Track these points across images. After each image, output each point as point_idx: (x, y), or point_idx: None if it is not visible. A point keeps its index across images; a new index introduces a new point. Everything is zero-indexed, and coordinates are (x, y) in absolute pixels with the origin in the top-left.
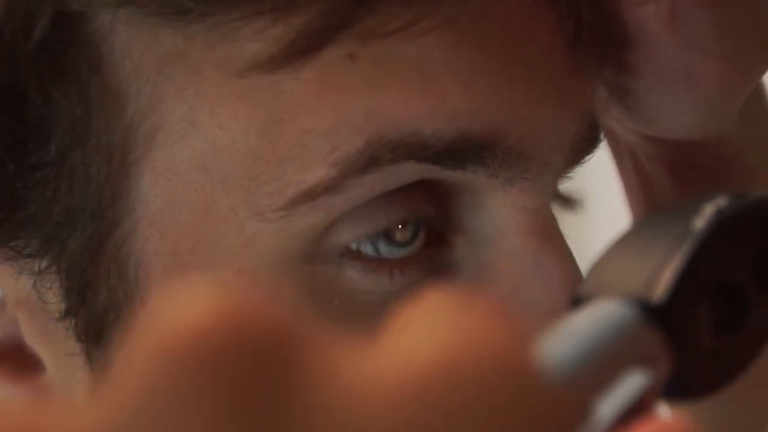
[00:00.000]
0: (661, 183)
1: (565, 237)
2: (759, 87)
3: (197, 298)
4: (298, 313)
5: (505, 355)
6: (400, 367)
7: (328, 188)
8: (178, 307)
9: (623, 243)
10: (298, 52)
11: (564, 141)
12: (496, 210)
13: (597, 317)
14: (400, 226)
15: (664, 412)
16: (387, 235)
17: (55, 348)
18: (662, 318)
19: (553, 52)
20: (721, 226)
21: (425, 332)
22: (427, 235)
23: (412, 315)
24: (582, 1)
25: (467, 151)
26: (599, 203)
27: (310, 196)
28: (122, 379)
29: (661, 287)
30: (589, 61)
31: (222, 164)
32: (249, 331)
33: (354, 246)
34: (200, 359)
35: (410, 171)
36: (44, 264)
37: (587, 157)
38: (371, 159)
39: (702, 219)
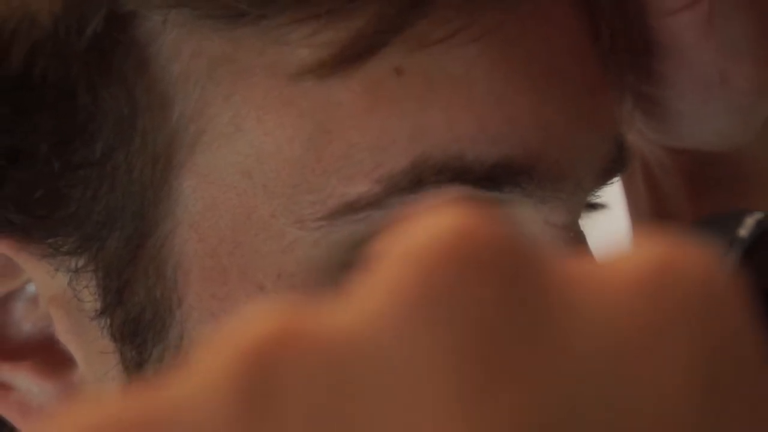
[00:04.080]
0: (675, 195)
1: (593, 252)
2: None
3: (444, 218)
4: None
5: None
6: (622, 269)
7: (370, 203)
8: (431, 223)
9: None
10: (348, 58)
11: (596, 161)
12: (526, 226)
13: None
14: None
15: None
16: None
17: (88, 346)
18: None
19: (587, 66)
20: (762, 236)
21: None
22: None
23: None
24: (615, 12)
25: (506, 175)
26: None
27: (351, 208)
28: (377, 280)
29: None
30: (619, 72)
31: (266, 170)
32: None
33: None
34: (464, 259)
35: (450, 192)
36: (81, 262)
37: (616, 178)
38: (415, 180)
39: (745, 229)
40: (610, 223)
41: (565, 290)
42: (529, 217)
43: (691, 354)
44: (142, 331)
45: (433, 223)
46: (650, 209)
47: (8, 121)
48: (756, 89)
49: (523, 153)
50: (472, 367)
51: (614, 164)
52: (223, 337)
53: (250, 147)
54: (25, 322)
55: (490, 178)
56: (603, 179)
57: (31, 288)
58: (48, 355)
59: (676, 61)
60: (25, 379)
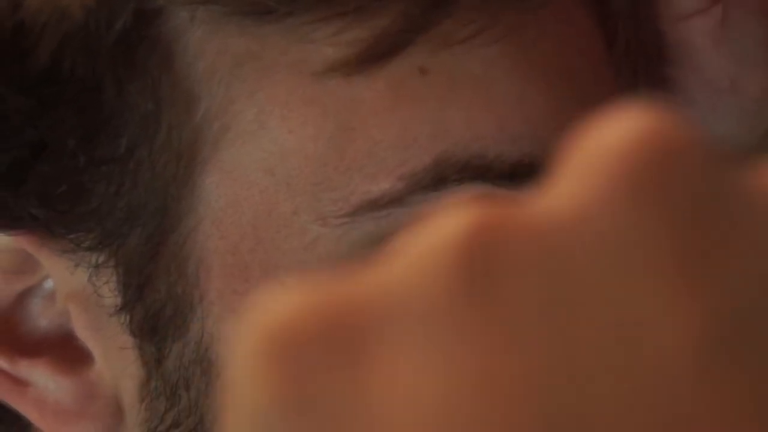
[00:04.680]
0: None
1: None
2: None
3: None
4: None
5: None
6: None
7: (393, 200)
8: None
9: None
10: (372, 56)
11: None
12: None
13: None
14: None
15: None
16: None
17: (107, 342)
18: None
19: (600, 69)
20: None
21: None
22: None
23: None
24: (627, 18)
25: (526, 173)
26: None
27: (374, 206)
28: (581, 171)
29: None
30: (631, 76)
31: (289, 168)
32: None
33: None
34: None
35: (471, 189)
36: (102, 258)
37: None
38: (438, 178)
39: None
40: None
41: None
42: None
43: None
44: (162, 327)
45: (628, 120)
46: None
47: (34, 115)
48: (765, 95)
49: (542, 152)
50: (689, 241)
51: None
52: (429, 227)
53: (274, 144)
54: (41, 318)
55: (511, 176)
56: None
57: (48, 284)
58: (65, 352)
59: (687, 66)
60: (42, 375)
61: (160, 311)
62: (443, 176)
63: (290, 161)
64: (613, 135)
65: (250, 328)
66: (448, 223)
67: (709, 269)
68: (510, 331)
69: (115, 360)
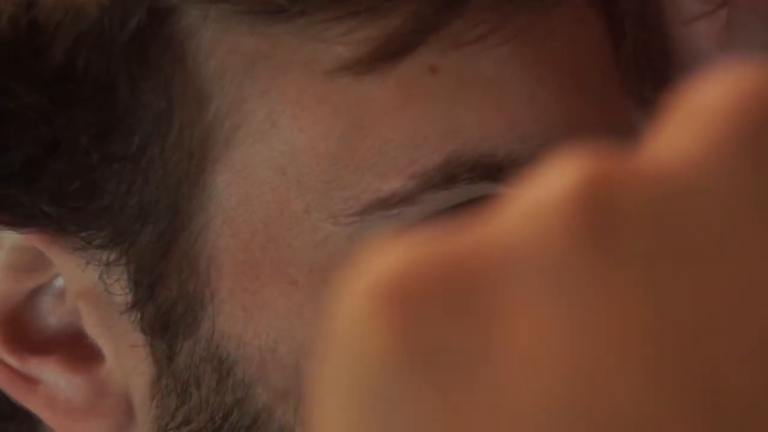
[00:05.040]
0: None
1: None
2: None
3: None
4: None
5: None
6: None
7: (404, 199)
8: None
9: None
10: (384, 56)
11: None
12: None
13: None
14: None
15: None
16: None
17: (117, 340)
18: None
19: (608, 72)
20: None
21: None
22: None
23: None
24: (635, 21)
25: (534, 172)
26: None
27: (385, 204)
28: (687, 129)
29: None
30: (637, 79)
31: (300, 166)
32: None
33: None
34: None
35: (482, 189)
36: (113, 256)
37: None
38: (448, 176)
39: None
40: None
41: None
42: None
43: None
44: (173, 324)
45: (732, 76)
46: None
47: (49, 113)
48: None
49: (551, 152)
50: None
51: None
52: (541, 180)
53: (285, 143)
54: (51, 316)
55: (521, 175)
56: None
57: (58, 282)
58: (75, 349)
59: (692, 69)
60: (52, 373)
61: (172, 309)
62: (453, 175)
63: (301, 160)
64: (717, 90)
65: (365, 279)
66: (561, 175)
67: None
68: (632, 279)
69: (126, 357)
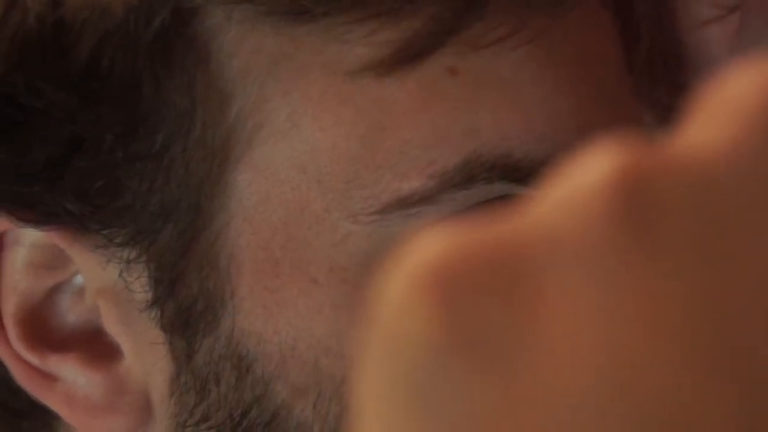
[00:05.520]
0: None
1: None
2: None
3: None
4: None
5: None
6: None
7: (423, 199)
8: None
9: None
10: (404, 57)
11: None
12: None
13: None
14: None
15: None
16: None
17: (137, 337)
18: None
19: (621, 76)
20: None
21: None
22: None
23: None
24: (649, 25)
25: (551, 173)
26: None
27: (404, 204)
28: (723, 117)
29: None
30: (650, 82)
31: (320, 166)
32: None
33: None
34: None
35: (499, 189)
36: (134, 254)
37: None
38: (467, 176)
39: None
40: None
41: None
42: None
43: None
44: (193, 322)
45: (758, 71)
46: None
47: (74, 111)
48: None
49: (566, 152)
50: None
51: None
52: (577, 169)
53: (306, 143)
54: (70, 314)
55: (537, 175)
56: None
57: (77, 280)
58: (94, 347)
59: (704, 73)
60: (71, 371)
61: (192, 306)
62: (472, 175)
63: (322, 159)
64: (746, 81)
65: (408, 265)
66: (596, 164)
67: None
68: (672, 264)
69: (145, 355)
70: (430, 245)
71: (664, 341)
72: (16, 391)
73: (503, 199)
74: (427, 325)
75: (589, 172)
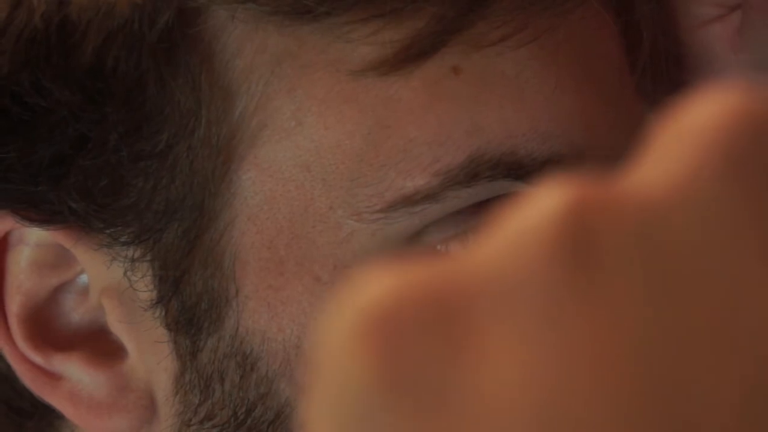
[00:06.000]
0: None
1: None
2: None
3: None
4: None
5: None
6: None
7: (427, 196)
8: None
9: None
10: (408, 56)
11: None
12: None
13: None
14: None
15: None
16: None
17: (141, 336)
18: None
19: (623, 74)
20: None
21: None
22: None
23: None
24: (651, 25)
25: (555, 171)
26: None
27: (409, 201)
28: (673, 153)
29: None
30: (652, 82)
31: (325, 164)
32: None
33: (442, 249)
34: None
35: (503, 187)
36: (138, 252)
37: None
38: (471, 174)
39: None
40: None
41: None
42: None
43: None
44: (197, 321)
45: (717, 99)
46: None
47: (79, 110)
48: None
49: (570, 151)
50: None
51: None
52: (526, 206)
53: (310, 141)
54: (74, 313)
55: (540, 173)
56: None
57: (82, 279)
58: (98, 345)
59: (705, 71)
60: (75, 369)
61: (196, 305)
62: (476, 173)
63: (326, 157)
64: (703, 113)
65: (347, 308)
66: (545, 201)
67: None
68: (615, 306)
69: (149, 353)
70: (372, 287)
71: (599, 384)
72: (21, 391)
73: (507, 196)
74: (365, 371)
75: (535, 212)
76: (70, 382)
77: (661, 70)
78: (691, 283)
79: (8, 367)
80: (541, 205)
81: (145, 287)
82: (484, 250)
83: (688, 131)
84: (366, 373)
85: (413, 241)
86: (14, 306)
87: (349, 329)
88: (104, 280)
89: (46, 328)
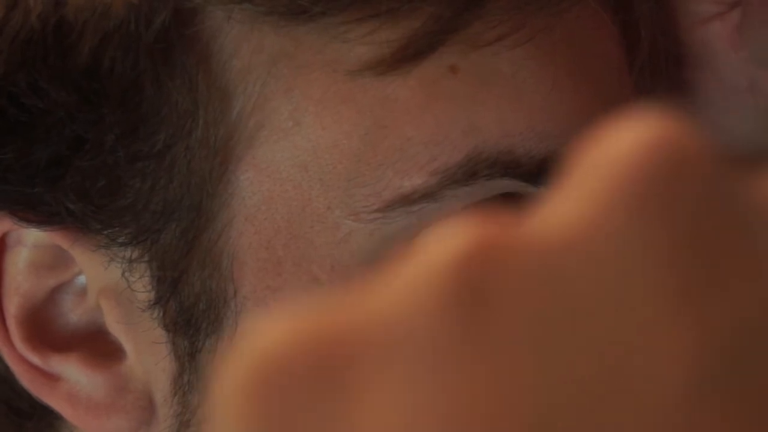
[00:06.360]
0: None
1: None
2: None
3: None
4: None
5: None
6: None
7: (425, 196)
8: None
9: None
10: (405, 56)
11: None
12: None
13: None
14: None
15: None
16: None
17: (139, 336)
18: None
19: (622, 72)
20: None
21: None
22: None
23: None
24: (649, 23)
25: (553, 170)
26: None
27: (406, 201)
28: (583, 185)
29: None
30: (649, 82)
31: (322, 164)
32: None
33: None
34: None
35: (500, 186)
36: (136, 253)
37: None
38: (469, 173)
39: None
40: None
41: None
42: None
43: None
44: (195, 321)
45: (630, 134)
46: None
47: (76, 111)
48: None
49: (567, 149)
50: (690, 262)
51: None
52: (420, 252)
53: (308, 141)
54: (72, 314)
55: (538, 172)
56: None
57: (80, 280)
58: (96, 346)
59: (705, 68)
60: (74, 370)
61: (194, 306)
62: (474, 172)
63: (324, 158)
64: (618, 144)
65: (235, 361)
66: (442, 246)
67: (708, 291)
68: (502, 359)
69: (148, 354)
70: (262, 338)
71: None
72: (20, 391)
73: (505, 195)
74: (248, 425)
75: (431, 256)
76: (69, 383)
77: (660, 68)
78: (583, 339)
79: (7, 368)
80: (437, 250)
81: (143, 288)
82: (378, 297)
83: (601, 165)
84: (251, 427)
85: (413, 241)
86: (12, 307)
87: (234, 382)
88: (102, 280)
89: (44, 329)
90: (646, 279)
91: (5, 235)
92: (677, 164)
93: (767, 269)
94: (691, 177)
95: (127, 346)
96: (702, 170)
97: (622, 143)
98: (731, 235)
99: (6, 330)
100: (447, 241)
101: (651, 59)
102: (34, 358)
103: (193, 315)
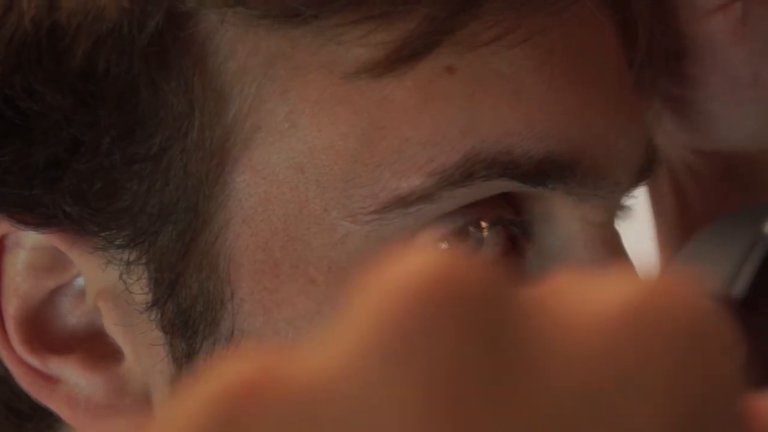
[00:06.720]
0: (700, 198)
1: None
2: None
3: (420, 260)
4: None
5: (686, 300)
6: (605, 303)
7: (422, 197)
8: (408, 265)
9: (697, 246)
10: (401, 58)
11: (631, 162)
12: (566, 223)
13: None
14: (482, 224)
15: None
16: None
17: (137, 338)
18: (741, 311)
19: (622, 71)
20: None
21: (603, 287)
22: (505, 236)
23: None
24: (648, 20)
25: (552, 170)
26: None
27: (403, 202)
28: (353, 322)
29: (740, 284)
30: (652, 76)
31: (319, 165)
32: (468, 280)
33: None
34: (434, 304)
35: (498, 186)
36: (133, 255)
37: (648, 178)
38: (466, 174)
39: None
40: (636, 228)
41: (542, 329)
42: (569, 215)
43: (670, 394)
44: (193, 323)
45: (409, 265)
46: (675, 215)
47: (71, 114)
48: None
49: (566, 150)
50: (441, 406)
51: (647, 164)
52: (197, 385)
53: (304, 142)
54: (71, 316)
55: (537, 173)
56: (637, 180)
57: (78, 282)
58: (95, 348)
59: (708, 63)
60: (72, 372)
61: (191, 308)
62: (472, 172)
63: (320, 159)
64: (392, 277)
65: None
66: (203, 387)
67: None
68: None
69: (146, 356)
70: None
71: None
72: (20, 393)
73: (503, 196)
74: None
75: (188, 400)
76: (68, 385)
77: (660, 65)
78: None
79: (7, 370)
80: (196, 392)
81: (140, 290)
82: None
83: (374, 297)
84: None
85: (410, 243)
86: (11, 309)
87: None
88: (100, 282)
89: (43, 330)
90: (398, 420)
91: (3, 237)
92: (443, 306)
93: (525, 412)
94: (457, 317)
95: (126, 347)
96: (469, 310)
97: (398, 275)
98: (492, 378)
99: (5, 332)
100: (208, 384)
101: (651, 56)
102: (33, 360)
103: (191, 317)
